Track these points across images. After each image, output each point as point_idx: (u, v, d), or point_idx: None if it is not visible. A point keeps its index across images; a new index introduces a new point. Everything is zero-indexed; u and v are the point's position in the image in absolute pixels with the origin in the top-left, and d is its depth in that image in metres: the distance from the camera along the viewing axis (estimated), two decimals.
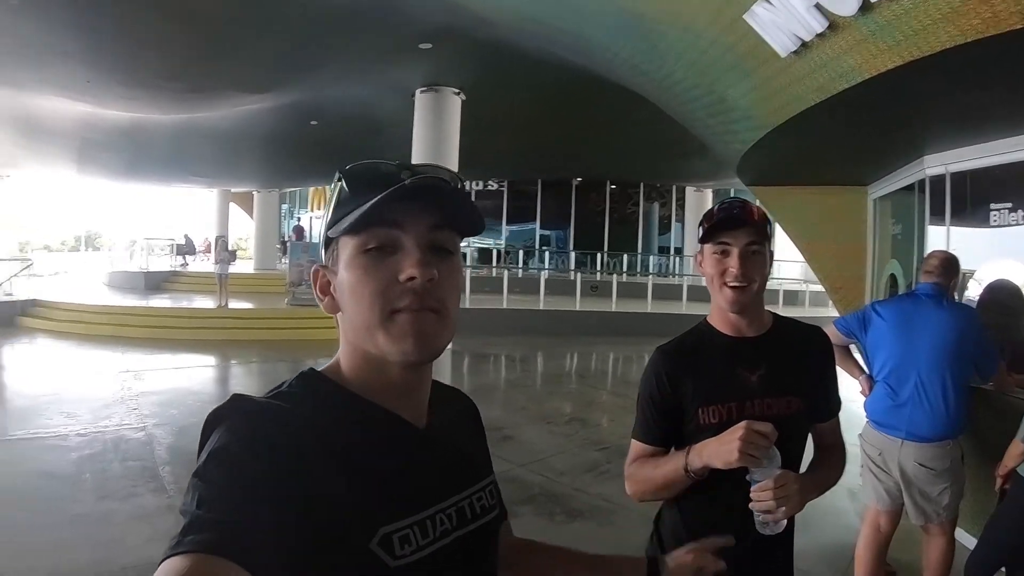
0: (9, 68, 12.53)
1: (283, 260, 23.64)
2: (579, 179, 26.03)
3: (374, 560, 0.82)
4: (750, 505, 1.56)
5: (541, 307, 16.59)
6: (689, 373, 1.80)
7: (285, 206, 32.46)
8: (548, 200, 26.64)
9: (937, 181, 5.45)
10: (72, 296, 17.09)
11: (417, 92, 12.85)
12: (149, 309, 15.55)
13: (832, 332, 3.58)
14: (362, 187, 0.91)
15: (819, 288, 9.90)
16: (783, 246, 9.33)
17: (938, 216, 5.47)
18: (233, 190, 30.44)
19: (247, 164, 22.92)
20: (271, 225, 28.93)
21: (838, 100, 4.26)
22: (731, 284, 1.72)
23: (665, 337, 1.95)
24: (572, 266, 23.99)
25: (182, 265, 25.39)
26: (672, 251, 27.74)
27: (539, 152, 19.84)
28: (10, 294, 16.54)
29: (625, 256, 25.33)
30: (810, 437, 1.91)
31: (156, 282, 20.89)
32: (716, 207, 1.80)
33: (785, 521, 1.59)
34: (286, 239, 27.65)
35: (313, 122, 16.16)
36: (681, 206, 26.79)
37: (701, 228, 1.79)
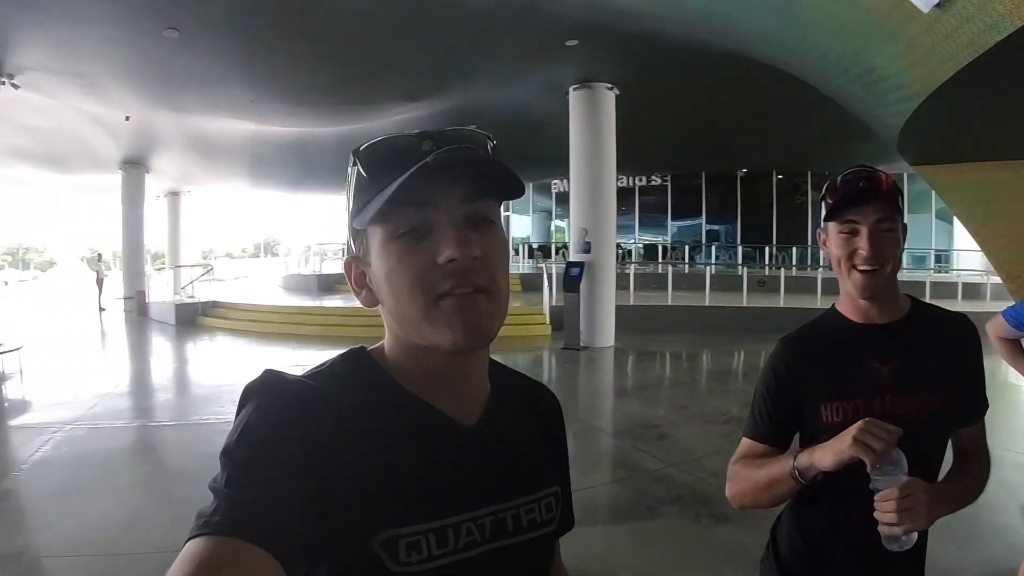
0: (176, 94, 13.80)
1: None
2: (744, 170, 25.05)
3: (375, 562, 0.78)
4: (875, 514, 1.36)
5: (707, 303, 16.04)
6: (813, 365, 1.63)
7: None
8: (713, 193, 25.72)
9: None
10: (248, 297, 18.75)
11: (570, 90, 12.76)
12: (320, 308, 16.32)
13: (999, 324, 3.10)
14: (380, 168, 0.84)
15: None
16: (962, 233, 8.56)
17: None
18: None
19: None
20: None
21: (994, 55, 3.79)
22: (861, 267, 1.52)
23: None
24: (739, 261, 23.17)
25: None
26: None
27: (700, 144, 19.35)
28: (192, 296, 18.47)
29: (794, 249, 24.10)
30: (949, 443, 1.65)
31: (328, 284, 21.88)
32: (839, 179, 1.59)
33: (915, 536, 1.37)
34: None
35: (472, 126, 16.37)
36: None
37: (824, 204, 1.59)
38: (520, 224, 29.64)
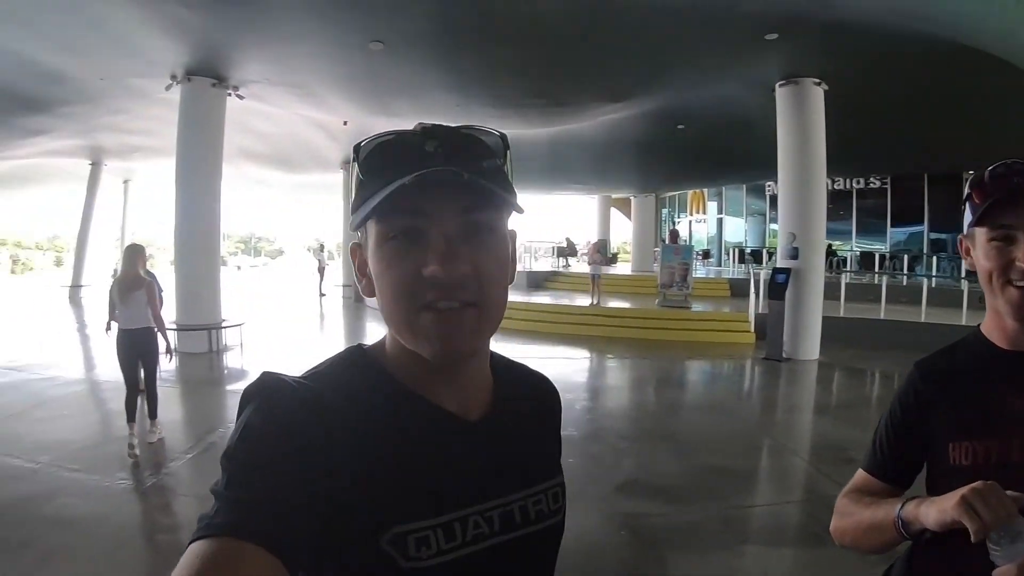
0: (386, 100, 14.78)
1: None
2: (970, 172, 22.42)
3: (386, 559, 0.79)
4: None
5: (922, 319, 14.85)
6: (945, 395, 1.41)
7: (665, 210, 33.13)
8: (937, 197, 22.96)
9: None
10: None
11: (776, 86, 12.30)
12: (527, 304, 16.77)
13: None
14: (378, 168, 0.85)
15: None
16: None
17: None
18: (613, 196, 32.17)
19: (621, 171, 23.98)
20: (648, 229, 30.23)
21: None
22: (1018, 283, 1.28)
23: None
24: (962, 275, 21.15)
25: (564, 266, 27.35)
26: None
27: (920, 142, 17.86)
28: None
29: None
30: None
31: (538, 281, 22.62)
32: (987, 174, 1.35)
33: None
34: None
35: (680, 126, 16.37)
36: None
37: (969, 206, 1.37)
38: (735, 227, 28.71)
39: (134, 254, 6.78)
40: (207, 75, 12.61)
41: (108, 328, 6.88)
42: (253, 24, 10.34)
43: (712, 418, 8.04)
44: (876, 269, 21.82)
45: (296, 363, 7.89)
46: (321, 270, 26.13)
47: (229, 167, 14.48)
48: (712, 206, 29.94)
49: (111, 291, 6.70)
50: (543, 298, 18.38)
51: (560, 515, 1.00)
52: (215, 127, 12.87)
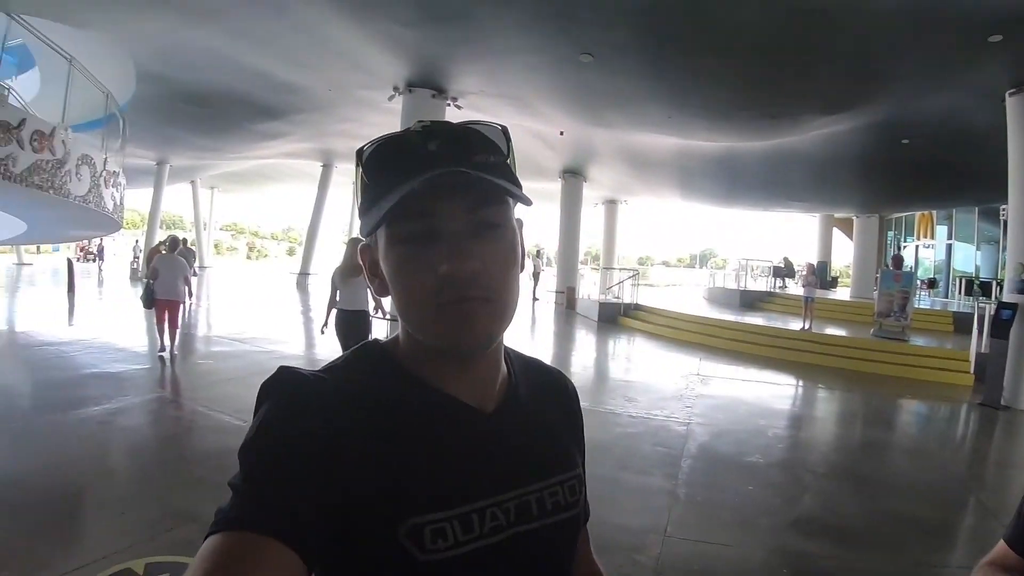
0: (598, 111, 15.09)
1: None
2: None
3: (402, 551, 0.79)
4: None
5: None
6: None
7: (891, 233, 30.90)
8: None
9: None
10: (670, 304, 19.88)
11: (1006, 95, 11.01)
12: (735, 324, 16.53)
13: None
14: (382, 171, 0.86)
15: None
16: None
17: None
18: (835, 215, 30.45)
19: (842, 188, 22.66)
20: (869, 252, 28.10)
21: None
22: None
23: None
24: None
25: (780, 287, 26.29)
26: None
27: None
28: (618, 297, 20.37)
29: None
30: None
31: (751, 300, 22.10)
32: None
33: None
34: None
35: (904, 141, 15.26)
36: None
37: None
38: (965, 255, 25.69)
39: (356, 246, 7.47)
40: (427, 87, 13.76)
41: (323, 329, 7.84)
42: (467, 40, 11.13)
43: (911, 463, 7.44)
44: None
45: None
46: (536, 275, 26.86)
47: None
48: (941, 230, 26.83)
49: (333, 276, 7.61)
50: (754, 319, 17.91)
51: (577, 507, 0.99)
52: None
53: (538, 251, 30.91)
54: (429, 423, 0.87)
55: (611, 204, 31.21)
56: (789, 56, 10.50)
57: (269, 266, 51.42)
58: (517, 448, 0.93)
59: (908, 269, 19.00)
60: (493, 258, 0.84)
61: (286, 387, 0.83)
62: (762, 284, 26.63)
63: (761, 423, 8.21)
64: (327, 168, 29.70)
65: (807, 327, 15.63)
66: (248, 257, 64.04)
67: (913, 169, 17.69)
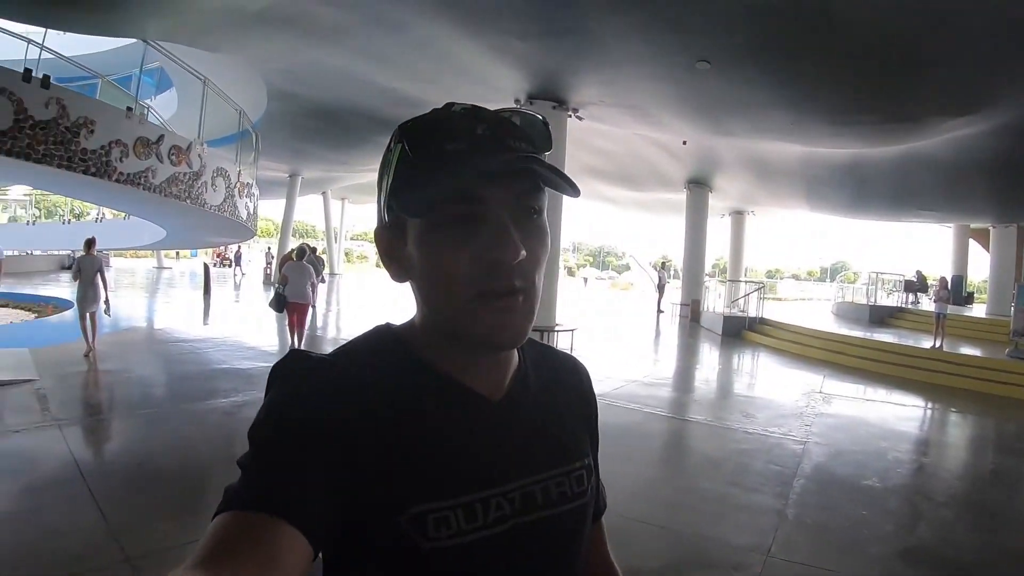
0: (719, 119, 14.85)
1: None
2: None
3: (406, 539, 0.79)
4: None
5: None
6: None
7: None
8: None
9: None
10: (796, 319, 19.30)
11: None
12: (862, 340, 15.90)
13: None
14: (428, 150, 0.82)
15: None
16: None
17: None
18: (971, 225, 28.68)
19: (977, 196, 21.14)
20: (1008, 265, 25.97)
21: None
22: None
23: None
24: None
25: (912, 302, 25.03)
26: None
27: None
28: (743, 311, 20.03)
29: None
30: None
31: (880, 316, 21.27)
32: None
33: None
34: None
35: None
36: None
37: None
38: None
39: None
40: (547, 98, 13.87)
41: None
42: (584, 52, 11.29)
43: None
44: None
45: (617, 372, 10.26)
46: (661, 287, 26.75)
47: (577, 183, 15.81)
48: None
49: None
50: (883, 335, 17.08)
51: (585, 497, 0.97)
52: (557, 146, 13.85)
53: (663, 263, 30.67)
54: (437, 410, 0.86)
55: (738, 215, 30.34)
56: (911, 59, 10.08)
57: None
58: (524, 437, 0.93)
59: None
60: (533, 248, 0.84)
61: (296, 370, 0.84)
62: (894, 299, 25.44)
63: (882, 445, 7.88)
64: None
65: (938, 345, 14.86)
66: (377, 265, 66.89)
67: None
